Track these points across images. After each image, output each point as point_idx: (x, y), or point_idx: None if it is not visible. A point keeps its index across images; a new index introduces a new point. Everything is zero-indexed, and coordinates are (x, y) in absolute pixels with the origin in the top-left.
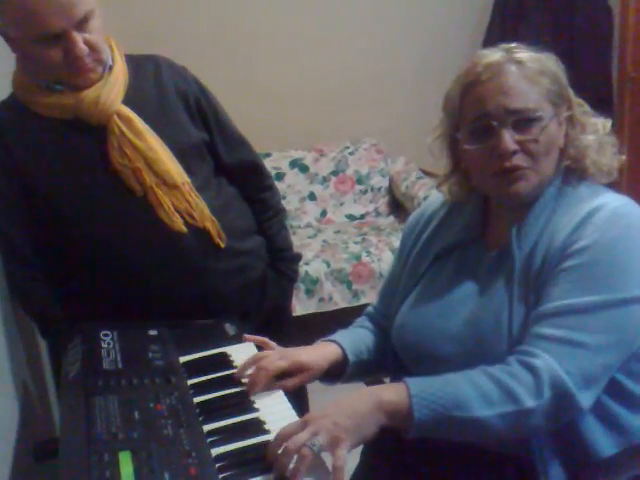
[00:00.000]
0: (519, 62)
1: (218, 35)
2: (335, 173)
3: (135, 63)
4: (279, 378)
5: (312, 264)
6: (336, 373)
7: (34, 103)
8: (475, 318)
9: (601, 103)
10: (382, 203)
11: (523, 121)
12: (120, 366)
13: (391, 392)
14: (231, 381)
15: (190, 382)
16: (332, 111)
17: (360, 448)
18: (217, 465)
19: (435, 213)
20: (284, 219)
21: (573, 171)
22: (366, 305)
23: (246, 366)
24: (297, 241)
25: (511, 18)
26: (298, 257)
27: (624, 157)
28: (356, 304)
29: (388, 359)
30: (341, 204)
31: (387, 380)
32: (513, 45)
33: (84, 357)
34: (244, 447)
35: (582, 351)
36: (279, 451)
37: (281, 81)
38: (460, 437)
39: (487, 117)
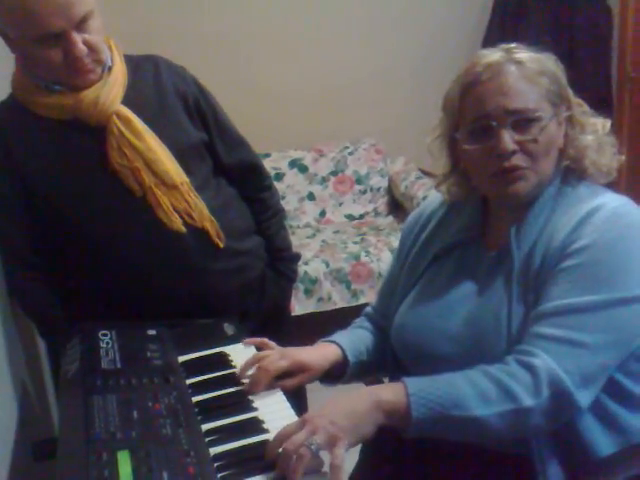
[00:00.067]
0: (519, 62)
1: (217, 35)
2: (334, 173)
3: (134, 63)
4: (279, 378)
5: (311, 264)
6: (336, 374)
7: (33, 103)
8: (474, 318)
9: (600, 103)
10: (381, 203)
11: (522, 121)
12: (119, 366)
13: (389, 391)
14: (230, 380)
15: (189, 381)
16: (331, 111)
17: (359, 447)
18: (216, 464)
19: (434, 213)
20: (283, 219)
21: (572, 171)
22: (365, 305)
23: (247, 366)
24: (296, 241)
25: (511, 18)
26: (297, 257)
27: (623, 157)
28: (355, 304)
29: (387, 359)
30: (340, 204)
31: (386, 380)
32: (513, 45)
33: (83, 357)
34: (243, 446)
35: (581, 350)
36: (278, 451)
37: (280, 81)
38: (458, 436)
39: (486, 117)
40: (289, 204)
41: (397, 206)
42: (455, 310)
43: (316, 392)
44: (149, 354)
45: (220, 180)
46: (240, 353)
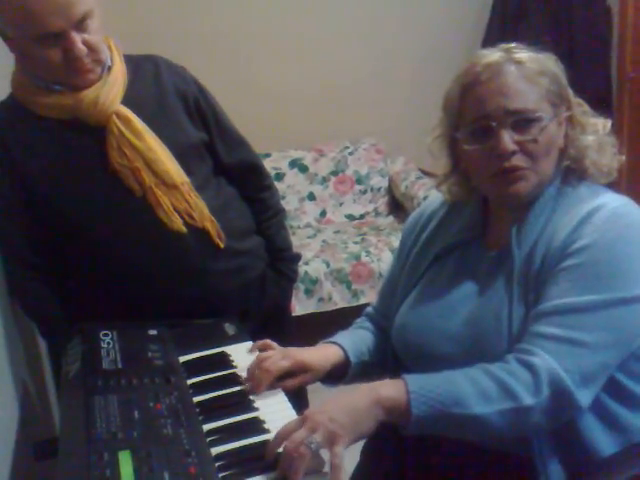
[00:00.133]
0: (518, 62)
1: (217, 35)
2: (335, 173)
3: (134, 63)
4: (280, 378)
5: (311, 264)
6: (338, 375)
7: (33, 103)
8: (475, 318)
9: (600, 103)
10: (381, 203)
11: (522, 121)
12: (120, 366)
13: (389, 388)
14: (231, 381)
15: (190, 382)
16: (331, 111)
17: (360, 447)
18: (217, 464)
19: (435, 213)
20: (283, 219)
21: (573, 171)
22: (366, 305)
23: (251, 369)
24: (296, 241)
25: (510, 18)
26: (297, 257)
27: (624, 157)
28: (355, 304)
29: (388, 359)
30: (340, 204)
31: None
32: (512, 45)
33: (84, 357)
34: (244, 446)
35: (581, 350)
36: (278, 450)
37: (280, 81)
38: (458, 434)
39: (486, 118)
40: (289, 204)
41: (397, 206)
42: (456, 310)
43: (317, 392)
44: (150, 354)
45: (220, 180)
46: (241, 353)
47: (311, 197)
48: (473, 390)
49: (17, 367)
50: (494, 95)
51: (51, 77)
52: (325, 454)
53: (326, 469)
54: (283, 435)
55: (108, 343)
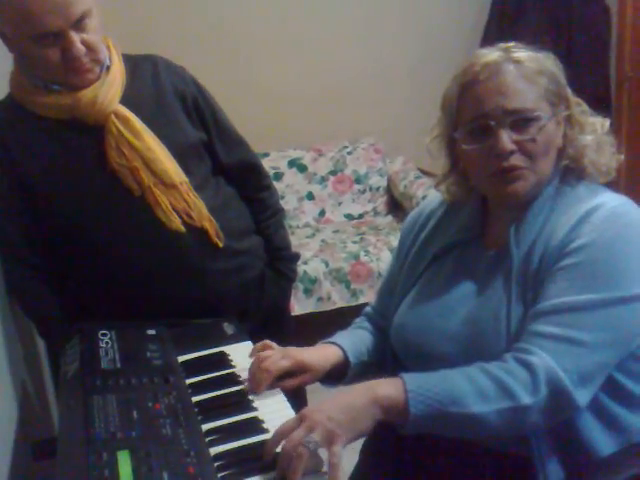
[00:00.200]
0: (517, 61)
1: (216, 35)
2: (333, 173)
3: (132, 63)
4: (280, 378)
5: (310, 263)
6: (337, 375)
7: (31, 103)
8: (474, 317)
9: (599, 103)
10: (380, 203)
11: (521, 121)
12: (118, 365)
13: (387, 387)
14: (229, 380)
15: (188, 381)
16: (330, 111)
17: (359, 447)
18: (215, 464)
19: (433, 212)
20: (282, 219)
21: (571, 171)
22: (365, 304)
23: (251, 370)
24: (295, 241)
25: (509, 17)
26: (296, 256)
27: (622, 157)
28: (355, 303)
29: (387, 359)
30: (339, 204)
31: None
32: (511, 44)
33: (82, 357)
34: (242, 446)
35: (579, 349)
36: (276, 449)
37: (279, 81)
38: (456, 433)
39: (485, 117)
40: (288, 204)
41: (396, 205)
42: (454, 310)
43: (316, 393)
44: (149, 354)
45: (219, 180)
46: (240, 353)
47: (310, 197)
48: (471, 389)
49: (16, 367)
50: (493, 94)
51: (50, 77)
52: (323, 453)
53: (325, 468)
54: (281, 434)
55: (107, 343)
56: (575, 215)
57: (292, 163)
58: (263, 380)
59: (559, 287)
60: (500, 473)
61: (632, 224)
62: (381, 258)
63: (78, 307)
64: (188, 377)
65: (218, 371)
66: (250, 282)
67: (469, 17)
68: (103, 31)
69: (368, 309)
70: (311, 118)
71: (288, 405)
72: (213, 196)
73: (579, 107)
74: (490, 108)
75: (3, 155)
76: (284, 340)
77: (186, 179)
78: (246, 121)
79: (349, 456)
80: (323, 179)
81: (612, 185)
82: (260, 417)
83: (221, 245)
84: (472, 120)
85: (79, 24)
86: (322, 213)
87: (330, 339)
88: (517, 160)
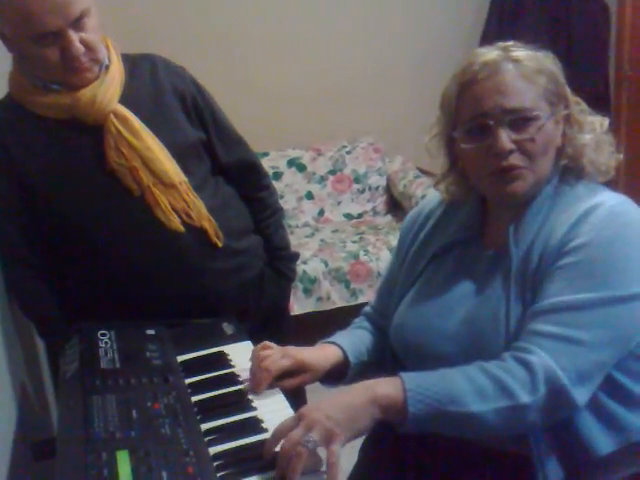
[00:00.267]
0: (516, 61)
1: (215, 34)
2: (332, 172)
3: (131, 62)
4: (279, 378)
5: (310, 263)
6: (337, 375)
7: (30, 103)
8: (473, 317)
9: (598, 102)
10: (380, 202)
11: (520, 120)
12: (118, 365)
13: (386, 386)
14: (229, 380)
15: (188, 381)
16: (329, 110)
17: (359, 446)
18: (215, 464)
19: (432, 212)
20: (281, 218)
21: (570, 170)
22: (364, 304)
23: (252, 370)
24: (295, 240)
25: (508, 17)
26: (296, 256)
27: (621, 156)
28: (354, 303)
29: (387, 359)
30: (339, 203)
31: None
32: (510, 43)
33: (82, 356)
34: (242, 446)
35: (577, 347)
36: (276, 449)
37: (278, 81)
38: (455, 432)
39: (484, 116)
40: (287, 203)
41: (396, 205)
42: (454, 309)
43: (316, 392)
44: (148, 354)
45: (218, 179)
46: (239, 353)
47: (309, 196)
48: (469, 388)
49: (15, 367)
50: (491, 93)
51: (49, 76)
52: (322, 452)
53: (324, 468)
54: (280, 433)
55: (106, 343)
56: (574, 214)
57: (291, 163)
58: (263, 379)
59: (558, 286)
60: (499, 472)
61: (631, 223)
62: (380, 258)
63: (77, 307)
64: (187, 377)
65: (217, 371)
66: (249, 282)
67: (468, 16)
68: (102, 30)
69: (367, 309)
70: (310, 118)
71: (287, 405)
72: (212, 196)
73: (578, 106)
74: (489, 107)
75: (2, 155)
76: (283, 340)
77: (185, 179)
78: (245, 120)
79: (348, 455)
80: (322, 179)
81: (611, 184)
82: (259, 417)
83: (220, 245)
84: (471, 119)
85: (78, 23)
86: (321, 213)
87: (330, 339)
88: (516, 159)
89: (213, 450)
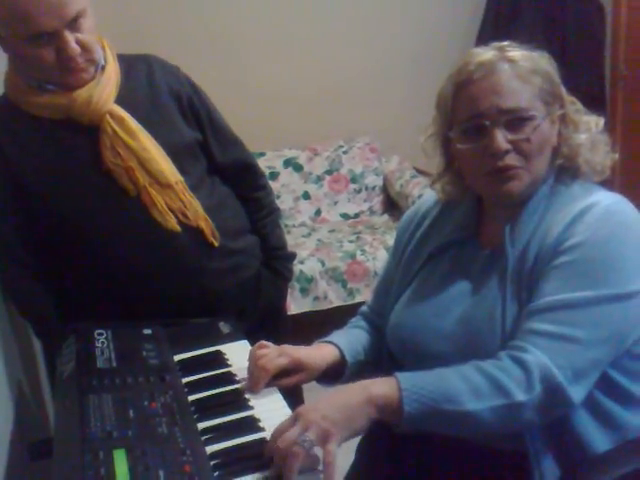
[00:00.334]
0: (511, 61)
1: (211, 35)
2: (329, 172)
3: (127, 63)
4: (276, 376)
5: (307, 263)
6: (333, 374)
7: (26, 103)
8: (469, 316)
9: (594, 101)
10: (376, 202)
11: (515, 120)
12: (114, 365)
13: (381, 386)
14: (225, 379)
15: (184, 380)
16: (326, 110)
17: (355, 446)
18: (212, 463)
19: (429, 211)
20: (278, 218)
21: (566, 170)
22: (361, 303)
23: (249, 369)
24: (291, 240)
25: (504, 17)
26: (292, 256)
27: (617, 155)
28: (351, 302)
29: (383, 358)
30: (335, 203)
31: None
32: (505, 44)
33: (78, 356)
34: (239, 445)
35: (573, 346)
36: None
37: (275, 81)
38: (451, 431)
39: (479, 117)
40: (284, 203)
41: (392, 205)
42: (450, 309)
43: (313, 391)
44: (145, 353)
45: (215, 179)
46: (236, 352)
47: (306, 196)
48: (465, 387)
49: (12, 367)
50: (487, 94)
51: (44, 77)
52: (319, 452)
53: (320, 467)
54: (278, 434)
55: (102, 342)
56: (570, 214)
57: (288, 163)
58: (260, 378)
59: (553, 285)
60: (496, 470)
61: (626, 222)
62: (377, 257)
63: (74, 307)
64: (184, 376)
65: (214, 370)
66: (246, 281)
67: (464, 16)
68: (98, 31)
69: (364, 308)
70: (307, 117)
71: (284, 404)
72: (209, 196)
73: (573, 106)
74: (485, 107)
75: None
76: (280, 339)
77: (181, 179)
78: (241, 121)
79: (345, 455)
80: (319, 178)
81: (607, 184)
82: (256, 416)
83: (217, 244)
84: (467, 119)
85: (74, 24)
86: (318, 212)
87: (326, 338)
88: (512, 159)
89: (210, 449)
